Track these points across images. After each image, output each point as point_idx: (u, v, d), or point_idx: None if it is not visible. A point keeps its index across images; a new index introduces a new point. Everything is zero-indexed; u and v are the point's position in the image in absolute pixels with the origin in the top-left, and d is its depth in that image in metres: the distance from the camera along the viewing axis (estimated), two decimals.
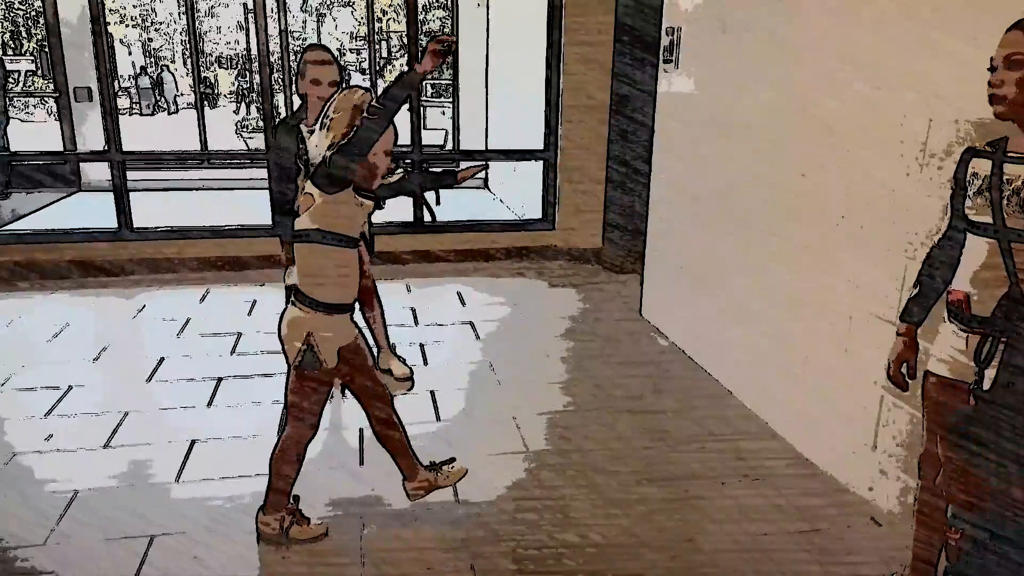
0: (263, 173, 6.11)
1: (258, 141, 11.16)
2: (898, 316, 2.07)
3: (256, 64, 23.37)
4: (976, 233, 1.83)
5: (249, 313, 4.75)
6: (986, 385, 1.82)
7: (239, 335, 4.34)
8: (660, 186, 4.46)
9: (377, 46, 12.42)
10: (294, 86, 3.45)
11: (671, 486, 2.86)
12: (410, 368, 3.80)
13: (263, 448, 3.08)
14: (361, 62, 29.07)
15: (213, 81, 27.34)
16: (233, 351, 4.14)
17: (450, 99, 9.60)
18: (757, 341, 3.42)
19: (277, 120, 5.19)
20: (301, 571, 2.43)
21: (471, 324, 4.56)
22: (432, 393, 3.62)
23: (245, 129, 12.94)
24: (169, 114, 23.03)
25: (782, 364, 3.23)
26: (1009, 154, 1.77)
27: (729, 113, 3.65)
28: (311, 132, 3.39)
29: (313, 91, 3.29)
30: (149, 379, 3.78)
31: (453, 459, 2.68)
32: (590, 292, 5.30)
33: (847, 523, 2.64)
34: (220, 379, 3.75)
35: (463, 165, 2.52)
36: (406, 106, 2.56)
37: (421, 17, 18.64)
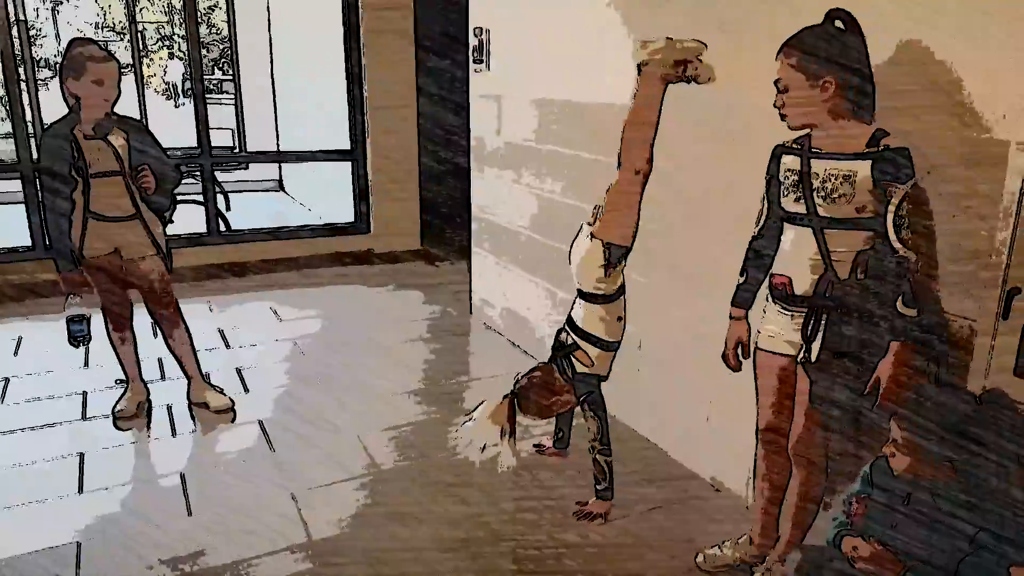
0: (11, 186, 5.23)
1: None
2: (730, 302, 2.23)
3: None
4: (792, 223, 2.01)
5: (15, 352, 4.02)
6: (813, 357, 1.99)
7: (6, 380, 3.65)
8: (481, 184, 4.41)
9: (134, 38, 11.15)
10: (62, 86, 2.94)
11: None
12: (230, 398, 3.41)
13: (53, 517, 2.63)
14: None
15: None
16: (1, 400, 3.47)
17: (231, 96, 8.87)
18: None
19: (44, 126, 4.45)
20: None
21: (294, 342, 4.22)
22: (261, 423, 3.28)
23: None
24: None
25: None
26: (813, 150, 1.94)
27: (544, 112, 3.68)
28: (89, 139, 2.93)
29: (95, 92, 2.85)
30: None
31: None
32: (432, 294, 5.10)
33: None
34: None
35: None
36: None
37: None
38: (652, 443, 3.13)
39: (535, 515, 2.65)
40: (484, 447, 2.41)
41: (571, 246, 2.55)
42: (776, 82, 1.94)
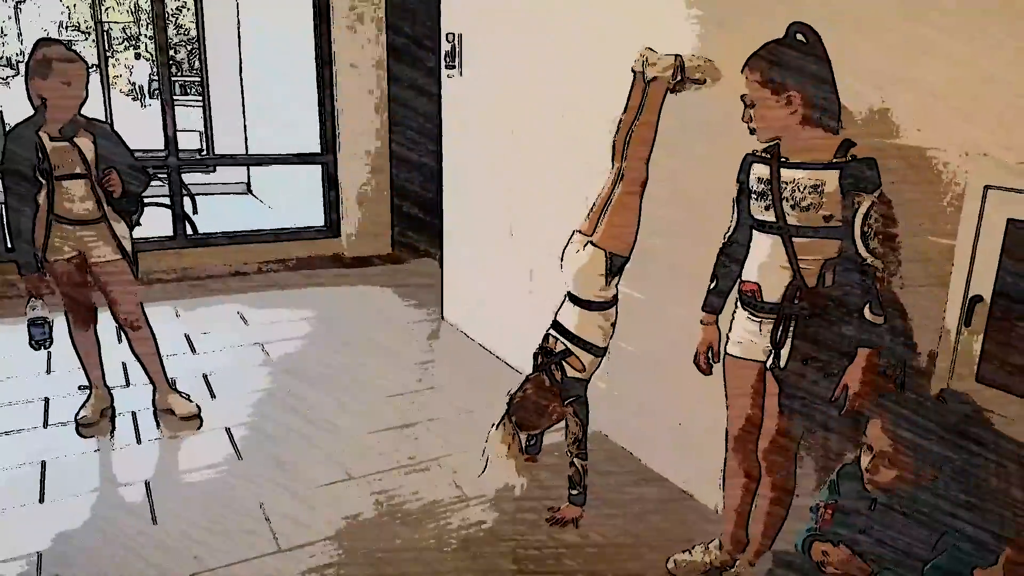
0: None
1: None
2: (701, 307, 2.25)
3: None
4: (762, 230, 2.03)
5: None
6: (782, 363, 2.01)
7: None
8: (453, 186, 4.41)
9: (99, 38, 10.97)
10: (28, 86, 2.89)
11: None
12: (196, 404, 3.35)
13: (13, 527, 2.55)
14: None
15: None
16: None
17: (199, 98, 8.74)
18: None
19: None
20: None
21: (261, 346, 4.16)
22: (228, 430, 3.23)
23: None
24: None
25: None
26: (782, 159, 1.97)
27: (517, 118, 3.68)
28: (54, 140, 2.88)
29: (62, 93, 2.81)
30: None
31: None
32: (404, 296, 5.06)
33: None
34: None
35: None
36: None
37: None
38: (618, 444, 3.14)
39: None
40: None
41: (563, 253, 2.54)
42: (743, 98, 1.97)
